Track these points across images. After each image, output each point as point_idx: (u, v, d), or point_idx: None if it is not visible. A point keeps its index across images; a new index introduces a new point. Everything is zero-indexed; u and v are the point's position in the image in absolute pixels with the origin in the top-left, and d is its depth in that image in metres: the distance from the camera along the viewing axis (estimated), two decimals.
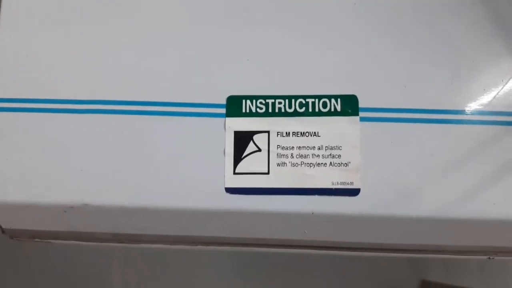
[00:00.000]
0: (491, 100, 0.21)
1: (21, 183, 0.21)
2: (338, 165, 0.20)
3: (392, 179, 0.20)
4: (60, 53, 0.22)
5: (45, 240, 0.25)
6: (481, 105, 0.20)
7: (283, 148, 0.20)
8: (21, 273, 0.46)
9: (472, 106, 0.20)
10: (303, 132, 0.20)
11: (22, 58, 0.22)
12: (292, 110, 0.21)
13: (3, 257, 0.46)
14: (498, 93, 0.21)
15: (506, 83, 0.21)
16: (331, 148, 0.20)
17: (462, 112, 0.20)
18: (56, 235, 0.24)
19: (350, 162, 0.20)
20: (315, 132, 0.20)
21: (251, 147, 0.20)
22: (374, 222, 0.20)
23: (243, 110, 0.20)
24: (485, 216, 0.20)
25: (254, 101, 0.21)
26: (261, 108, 0.21)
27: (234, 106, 0.20)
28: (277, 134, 0.20)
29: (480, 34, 0.21)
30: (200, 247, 0.23)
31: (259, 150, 0.20)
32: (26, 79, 0.22)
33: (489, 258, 0.23)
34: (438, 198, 0.20)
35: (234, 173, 0.20)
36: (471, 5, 0.21)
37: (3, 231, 0.24)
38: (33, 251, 0.47)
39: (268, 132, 0.20)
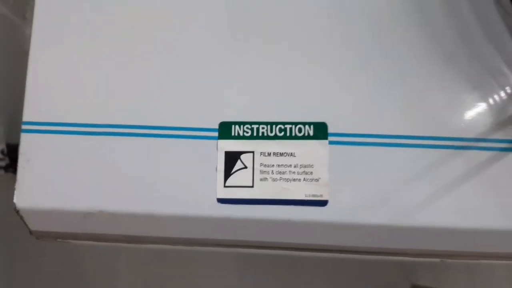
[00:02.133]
0: (440, 126, 0.25)
1: (47, 193, 0.25)
2: (310, 180, 0.24)
3: (355, 192, 0.24)
4: (76, 80, 0.26)
5: (66, 241, 0.29)
6: (429, 130, 0.25)
7: (265, 165, 0.25)
8: (37, 272, 0.50)
9: (422, 132, 0.25)
10: (282, 153, 0.25)
11: (49, 84, 0.26)
12: (273, 134, 0.25)
13: (20, 256, 0.50)
14: (446, 120, 0.25)
15: (453, 111, 0.25)
16: (305, 166, 0.24)
17: (414, 137, 0.24)
18: (75, 237, 0.28)
19: (320, 178, 0.24)
20: (291, 153, 0.25)
21: (238, 164, 0.24)
22: (340, 228, 0.24)
23: (232, 134, 0.25)
24: (434, 224, 0.24)
25: (241, 126, 0.25)
26: (247, 132, 0.25)
27: (225, 130, 0.25)
28: (260, 154, 0.25)
29: (432, 67, 0.25)
30: (197, 248, 0.27)
31: (245, 167, 0.24)
32: (49, 105, 0.26)
33: (441, 260, 0.26)
34: (393, 209, 0.24)
35: (225, 186, 0.24)
36: (425, 39, 0.25)
37: (31, 232, 0.28)
38: (48, 251, 0.51)
39: (253, 152, 0.25)
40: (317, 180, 0.24)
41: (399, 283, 0.54)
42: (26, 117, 0.26)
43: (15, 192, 0.26)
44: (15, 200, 0.25)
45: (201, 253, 0.35)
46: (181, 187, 0.25)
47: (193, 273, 0.50)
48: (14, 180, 0.27)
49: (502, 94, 0.25)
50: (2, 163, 0.50)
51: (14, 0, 0.59)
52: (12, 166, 0.40)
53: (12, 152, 0.40)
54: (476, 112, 0.25)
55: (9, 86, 0.42)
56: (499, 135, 0.24)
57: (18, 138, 0.27)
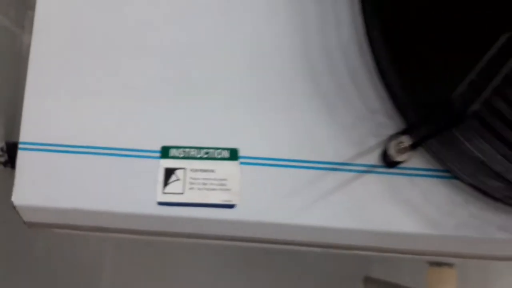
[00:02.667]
0: (319, 151, 0.34)
1: (38, 193, 0.35)
2: (224, 190, 0.34)
3: (257, 199, 0.34)
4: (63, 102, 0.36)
5: (52, 229, 0.39)
6: (312, 155, 0.34)
7: (192, 178, 0.34)
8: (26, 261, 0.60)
9: (306, 156, 0.34)
10: (205, 169, 0.34)
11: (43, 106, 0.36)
12: (199, 155, 0.34)
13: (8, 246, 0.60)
14: (325, 146, 0.34)
15: (331, 140, 0.34)
16: (221, 180, 0.34)
17: (297, 161, 0.34)
18: (58, 226, 0.38)
19: (231, 189, 0.34)
20: (212, 170, 0.34)
21: (173, 177, 0.34)
22: (246, 224, 0.34)
23: (170, 155, 0.34)
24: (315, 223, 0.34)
25: (177, 149, 0.34)
26: (181, 154, 0.34)
27: (165, 152, 0.34)
28: (190, 170, 0.34)
29: (318, 103, 0.35)
30: (146, 237, 0.37)
31: (178, 179, 0.34)
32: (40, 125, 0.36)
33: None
34: (286, 209, 0.33)
35: (163, 193, 0.34)
36: (307, 80, 0.35)
37: (25, 222, 0.38)
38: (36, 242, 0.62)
39: (184, 168, 0.34)
40: (229, 190, 0.34)
41: (353, 276, 0.62)
42: (22, 138, 0.36)
43: (13, 191, 0.35)
44: (13, 198, 0.35)
45: (154, 241, 0.44)
46: (133, 192, 0.34)
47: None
48: (11, 175, 0.36)
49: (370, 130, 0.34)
50: (2, 159, 0.61)
51: (15, 11, 0.70)
52: (10, 162, 0.49)
53: (11, 149, 0.48)
54: (346, 141, 0.34)
55: (8, 89, 0.51)
56: (362, 161, 0.34)
57: (16, 136, 0.37)
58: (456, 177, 0.33)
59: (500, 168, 0.29)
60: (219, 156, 0.34)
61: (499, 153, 0.27)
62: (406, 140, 0.33)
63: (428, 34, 0.30)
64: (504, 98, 0.26)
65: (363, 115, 0.34)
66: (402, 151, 0.33)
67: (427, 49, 0.30)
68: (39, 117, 0.36)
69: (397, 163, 0.33)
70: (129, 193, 0.34)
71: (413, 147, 0.32)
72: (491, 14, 0.29)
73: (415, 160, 0.34)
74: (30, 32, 0.38)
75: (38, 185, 0.35)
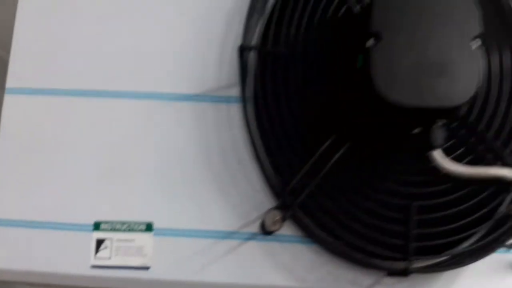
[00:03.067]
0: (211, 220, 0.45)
1: None
2: (142, 255, 0.44)
3: (165, 263, 0.44)
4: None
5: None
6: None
7: (117, 246, 0.44)
8: None
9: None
10: (127, 239, 0.44)
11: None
12: (123, 228, 0.45)
13: None
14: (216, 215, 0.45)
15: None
16: (139, 247, 0.44)
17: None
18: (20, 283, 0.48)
19: (147, 254, 0.44)
20: (132, 239, 0.44)
21: (103, 246, 0.44)
22: (158, 281, 0.44)
23: (100, 228, 0.45)
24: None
25: (105, 224, 0.45)
26: (108, 227, 0.45)
27: (96, 226, 0.45)
28: (116, 240, 0.44)
29: (222, 188, 0.45)
30: None
31: (107, 247, 0.44)
32: None
33: None
34: (187, 270, 0.44)
35: (94, 258, 0.44)
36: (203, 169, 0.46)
37: None
38: None
39: (111, 239, 0.45)
40: (145, 255, 0.44)
41: None
42: None
43: None
44: None
45: None
46: (72, 257, 0.44)
47: None
48: None
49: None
50: None
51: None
52: None
53: None
54: (235, 215, 0.45)
55: None
56: (247, 230, 0.44)
57: None
58: (316, 242, 0.43)
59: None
60: (138, 228, 0.45)
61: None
62: (277, 214, 0.43)
63: (281, 141, 0.41)
64: (323, 193, 0.37)
65: (248, 195, 0.45)
66: (275, 222, 0.44)
67: (283, 152, 0.41)
68: None
69: (272, 232, 0.44)
70: (69, 258, 0.45)
71: (283, 220, 0.43)
72: (319, 121, 0.40)
73: (286, 229, 0.44)
74: None
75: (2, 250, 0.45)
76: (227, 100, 0.47)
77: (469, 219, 0.38)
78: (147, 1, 0.50)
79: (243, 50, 0.40)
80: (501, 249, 0.42)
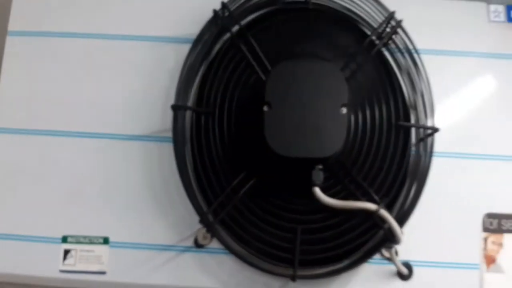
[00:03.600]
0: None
1: None
2: (100, 263, 0.56)
3: (119, 269, 0.56)
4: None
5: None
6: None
7: (80, 256, 0.56)
8: None
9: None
10: (88, 250, 0.57)
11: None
12: (85, 241, 0.57)
13: None
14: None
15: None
16: (98, 256, 0.56)
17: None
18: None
19: (104, 262, 0.56)
20: (93, 250, 0.57)
21: (69, 255, 0.56)
22: (113, 283, 0.56)
23: (67, 241, 0.57)
24: None
25: (71, 237, 0.57)
26: (74, 240, 0.57)
27: (64, 239, 0.57)
28: (80, 250, 0.57)
29: (166, 212, 0.58)
30: None
31: (72, 256, 0.56)
32: None
33: None
34: (136, 274, 0.56)
35: (63, 264, 0.56)
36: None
37: None
38: None
39: (76, 249, 0.57)
40: (103, 263, 0.56)
41: None
42: None
43: None
44: None
45: None
46: (46, 263, 0.56)
47: None
48: None
49: None
50: None
51: None
52: None
53: None
54: (175, 231, 0.57)
55: None
56: (184, 243, 0.57)
57: None
58: (233, 253, 0.56)
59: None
60: (97, 241, 0.57)
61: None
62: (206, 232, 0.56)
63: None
64: (236, 216, 0.50)
65: (184, 216, 0.57)
66: (205, 238, 0.56)
67: (208, 183, 0.54)
68: None
69: (203, 245, 0.56)
70: (43, 264, 0.57)
71: (211, 236, 0.55)
72: (235, 161, 0.53)
73: (214, 243, 0.57)
74: None
75: None
76: (169, 140, 0.59)
77: (341, 239, 0.51)
78: (106, 60, 0.62)
79: (175, 108, 0.53)
80: (386, 261, 0.55)
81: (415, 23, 0.60)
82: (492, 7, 0.64)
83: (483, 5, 0.64)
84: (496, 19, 0.64)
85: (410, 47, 0.57)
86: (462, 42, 0.63)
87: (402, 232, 0.51)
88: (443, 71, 0.61)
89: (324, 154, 0.48)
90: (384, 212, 0.49)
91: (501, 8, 0.64)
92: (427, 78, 0.56)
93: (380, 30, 0.56)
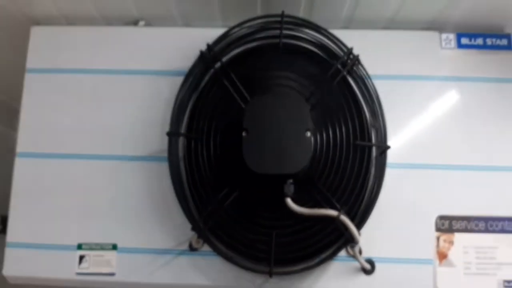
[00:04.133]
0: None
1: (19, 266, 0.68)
2: (110, 266, 0.66)
3: (126, 271, 0.66)
4: None
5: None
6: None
7: (94, 260, 0.67)
8: None
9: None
10: (100, 255, 0.67)
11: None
12: (97, 248, 0.67)
13: None
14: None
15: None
16: (108, 260, 0.66)
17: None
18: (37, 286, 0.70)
19: (114, 265, 0.66)
20: (103, 255, 0.67)
21: (84, 260, 0.67)
22: (122, 283, 0.66)
23: (82, 248, 0.67)
24: None
25: (85, 245, 0.67)
26: (87, 247, 0.67)
27: (79, 246, 0.67)
28: (92, 256, 0.67)
29: (165, 221, 0.68)
30: None
31: (87, 261, 0.67)
32: None
33: None
34: (141, 274, 0.66)
35: (78, 268, 0.66)
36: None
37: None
38: None
39: (89, 255, 0.67)
40: (112, 266, 0.66)
41: None
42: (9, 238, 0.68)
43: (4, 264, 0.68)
44: (3, 271, 0.67)
45: None
46: (67, 268, 0.67)
47: None
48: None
49: None
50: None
51: (6, 113, 1.05)
52: (4, 231, 0.79)
53: (5, 221, 0.78)
54: (172, 236, 0.67)
55: (2, 178, 0.78)
56: (180, 247, 0.67)
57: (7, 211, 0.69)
58: (221, 255, 0.65)
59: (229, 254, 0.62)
60: (107, 248, 0.67)
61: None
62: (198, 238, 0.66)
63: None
64: (222, 224, 0.60)
65: (181, 224, 0.67)
66: (198, 242, 0.66)
67: (199, 196, 0.64)
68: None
69: (196, 249, 0.66)
70: (62, 268, 0.67)
71: (203, 241, 0.65)
72: (221, 178, 0.63)
73: (206, 247, 0.66)
74: None
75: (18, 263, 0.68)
76: (167, 160, 0.69)
77: (311, 241, 0.61)
78: (111, 92, 0.73)
79: (170, 135, 0.63)
80: (352, 258, 0.65)
81: (374, 52, 0.71)
82: (444, 35, 0.74)
83: (435, 33, 0.74)
84: (447, 46, 0.74)
85: (367, 75, 0.67)
86: (417, 67, 0.72)
87: (360, 234, 0.60)
88: (398, 94, 0.71)
89: (293, 171, 0.58)
90: (343, 217, 0.59)
91: (451, 36, 0.74)
92: (379, 102, 0.66)
93: (342, 61, 0.66)
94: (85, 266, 0.67)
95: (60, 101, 0.73)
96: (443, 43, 0.74)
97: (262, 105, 0.60)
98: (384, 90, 0.69)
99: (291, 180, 0.59)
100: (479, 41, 0.74)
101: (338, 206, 0.60)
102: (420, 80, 0.72)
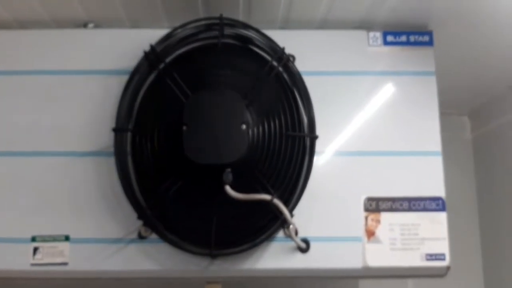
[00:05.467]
0: None
1: None
2: (63, 256, 0.70)
3: (78, 260, 0.70)
4: None
5: None
6: None
7: (46, 251, 0.70)
8: None
9: None
10: (53, 246, 0.71)
11: None
12: (50, 239, 0.71)
13: None
14: None
15: None
16: (61, 251, 0.70)
17: None
18: None
19: (66, 255, 0.70)
20: (56, 246, 0.70)
21: (37, 251, 0.70)
22: (74, 272, 0.70)
23: (36, 240, 0.71)
24: None
25: (39, 237, 0.71)
26: (40, 239, 0.71)
27: (33, 239, 0.71)
28: (46, 247, 0.70)
29: (116, 213, 0.72)
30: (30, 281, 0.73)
31: (40, 252, 0.70)
32: None
33: None
34: (92, 261, 0.70)
35: (33, 259, 0.70)
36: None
37: None
38: None
39: (42, 247, 0.71)
40: (65, 255, 0.70)
41: None
42: None
43: None
44: None
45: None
46: (20, 259, 0.70)
47: None
48: None
49: None
50: None
51: None
52: None
53: None
54: (123, 228, 0.71)
55: None
56: (130, 236, 0.71)
57: None
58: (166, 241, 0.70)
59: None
60: (60, 239, 0.71)
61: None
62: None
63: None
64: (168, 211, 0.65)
65: (130, 214, 0.72)
66: (146, 231, 0.71)
67: (146, 187, 0.69)
68: None
69: (145, 237, 0.71)
70: (16, 259, 0.71)
71: (151, 230, 0.70)
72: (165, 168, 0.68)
73: (153, 235, 0.71)
74: None
75: None
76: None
77: (249, 224, 0.66)
78: (63, 91, 0.76)
79: (116, 130, 0.68)
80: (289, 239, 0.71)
81: (309, 50, 0.77)
82: (371, 33, 0.81)
83: (363, 32, 0.81)
84: (374, 43, 0.81)
85: (298, 71, 0.73)
86: (347, 63, 0.79)
87: (293, 216, 0.67)
88: (330, 88, 0.77)
89: (230, 160, 0.64)
90: (276, 201, 0.65)
91: (378, 34, 0.81)
92: (308, 95, 0.72)
93: (276, 58, 0.72)
94: (39, 257, 0.71)
95: (15, 102, 0.77)
96: (370, 41, 0.81)
97: (201, 101, 0.66)
98: (316, 84, 0.76)
99: (229, 169, 0.65)
100: (403, 38, 0.81)
101: (272, 191, 0.66)
102: (350, 75, 0.79)
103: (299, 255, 0.72)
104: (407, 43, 0.81)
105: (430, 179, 0.76)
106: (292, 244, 0.71)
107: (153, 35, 0.75)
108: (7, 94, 0.77)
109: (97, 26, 0.82)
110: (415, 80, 0.79)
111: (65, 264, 0.71)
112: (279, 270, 0.72)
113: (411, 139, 0.77)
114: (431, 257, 0.74)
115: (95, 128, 0.75)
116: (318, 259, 0.72)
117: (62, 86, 0.77)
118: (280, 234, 0.72)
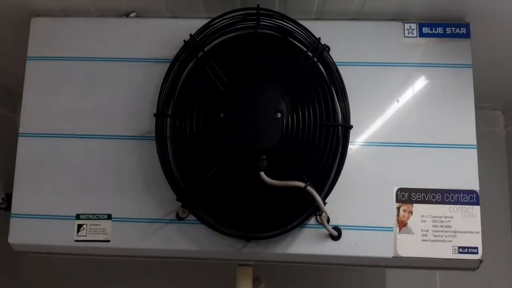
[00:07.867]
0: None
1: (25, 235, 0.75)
2: (105, 233, 0.74)
3: (120, 238, 0.74)
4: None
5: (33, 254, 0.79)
6: None
7: (90, 229, 0.74)
8: None
9: None
10: (96, 224, 0.75)
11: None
12: (94, 217, 0.75)
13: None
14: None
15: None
16: (104, 229, 0.74)
17: None
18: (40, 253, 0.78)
19: (108, 232, 0.74)
20: (99, 224, 0.75)
21: (81, 228, 0.75)
22: (117, 249, 0.74)
23: (80, 218, 0.75)
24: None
25: (83, 215, 0.75)
26: (85, 217, 0.75)
27: (78, 216, 0.75)
28: (89, 225, 0.75)
29: (154, 192, 0.76)
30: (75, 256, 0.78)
31: (84, 229, 0.74)
32: None
33: None
34: (133, 240, 0.74)
35: (77, 235, 0.75)
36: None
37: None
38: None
39: (86, 224, 0.75)
40: (107, 233, 0.74)
41: None
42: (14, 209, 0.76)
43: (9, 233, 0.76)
44: (8, 239, 0.75)
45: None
46: (67, 235, 0.75)
47: None
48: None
49: None
50: (3, 206, 1.04)
51: (9, 98, 1.14)
52: (8, 208, 0.87)
53: (9, 198, 0.86)
54: (163, 209, 0.75)
55: (6, 158, 0.88)
56: (169, 217, 0.74)
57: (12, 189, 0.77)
58: (204, 223, 0.73)
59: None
60: (103, 218, 0.75)
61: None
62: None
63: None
64: (206, 197, 0.68)
65: (170, 197, 0.75)
66: (184, 213, 0.74)
67: (185, 172, 0.72)
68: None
69: (183, 218, 0.74)
70: (62, 235, 0.75)
71: (189, 212, 0.73)
72: (203, 155, 0.70)
73: (191, 216, 0.74)
74: None
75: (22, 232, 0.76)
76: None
77: (283, 210, 0.69)
78: (105, 78, 0.80)
79: (157, 116, 0.71)
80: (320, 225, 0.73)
81: (344, 41, 0.78)
82: (407, 25, 0.81)
83: (399, 23, 0.81)
84: (410, 35, 0.81)
85: (333, 61, 0.74)
86: (383, 55, 0.80)
87: (325, 204, 0.69)
88: (365, 79, 0.78)
89: (264, 147, 0.66)
90: (310, 189, 0.67)
91: (414, 26, 0.81)
92: (343, 85, 0.74)
93: (311, 48, 0.73)
94: (83, 234, 0.75)
95: (58, 86, 0.81)
96: (406, 32, 0.81)
97: (238, 90, 0.68)
98: (351, 75, 0.77)
99: (264, 156, 0.67)
100: (440, 30, 0.81)
101: (305, 179, 0.68)
102: (385, 66, 0.79)
103: (330, 242, 0.73)
104: (444, 34, 0.81)
105: (464, 172, 0.76)
106: (323, 231, 0.73)
107: (192, 25, 0.78)
108: (51, 78, 0.81)
109: (138, 15, 0.85)
110: (451, 72, 0.79)
111: (107, 241, 0.75)
112: (310, 256, 0.74)
113: (446, 132, 0.77)
114: (463, 250, 0.74)
115: (137, 113, 0.78)
116: (349, 247, 0.73)
117: (105, 72, 0.80)
118: (312, 221, 0.74)
